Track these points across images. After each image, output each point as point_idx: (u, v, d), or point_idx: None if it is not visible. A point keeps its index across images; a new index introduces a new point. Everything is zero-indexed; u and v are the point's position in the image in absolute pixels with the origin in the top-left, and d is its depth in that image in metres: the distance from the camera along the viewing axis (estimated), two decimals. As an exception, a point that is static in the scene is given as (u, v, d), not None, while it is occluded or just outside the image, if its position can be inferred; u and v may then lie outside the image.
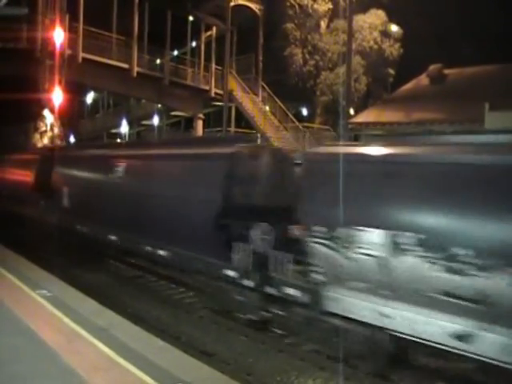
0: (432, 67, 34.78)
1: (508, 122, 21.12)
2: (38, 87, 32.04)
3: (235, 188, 11.30)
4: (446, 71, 34.42)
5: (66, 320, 9.71)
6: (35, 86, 31.98)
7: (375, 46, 44.27)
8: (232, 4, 37.65)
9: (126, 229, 14.73)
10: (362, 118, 34.55)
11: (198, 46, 40.71)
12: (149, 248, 13.79)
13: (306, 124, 40.89)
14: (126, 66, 35.57)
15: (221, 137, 29.52)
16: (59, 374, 7.34)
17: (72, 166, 19.88)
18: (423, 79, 35.41)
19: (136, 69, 35.88)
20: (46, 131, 33.47)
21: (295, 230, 9.79)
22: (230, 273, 11.18)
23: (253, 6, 40.44)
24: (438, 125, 27.06)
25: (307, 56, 44.64)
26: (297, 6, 44.12)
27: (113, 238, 15.61)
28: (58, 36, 30.90)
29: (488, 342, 7.00)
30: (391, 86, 43.88)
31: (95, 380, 7.11)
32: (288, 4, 43.79)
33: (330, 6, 44.93)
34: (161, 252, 13.20)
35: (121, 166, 15.47)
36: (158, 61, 38.91)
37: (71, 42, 32.61)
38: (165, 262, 13.53)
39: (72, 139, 46.64)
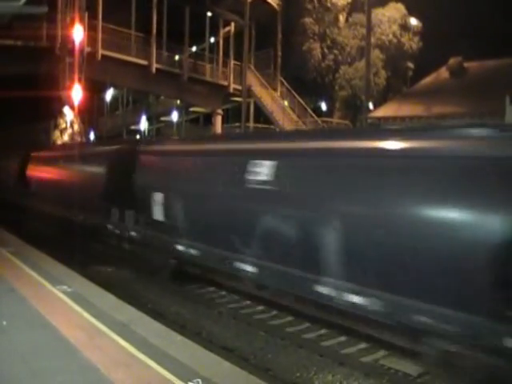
0: (452, 60, 34.48)
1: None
2: (57, 85, 32.30)
3: None
4: (466, 64, 34.10)
5: (87, 315, 9.77)
6: (55, 84, 32.25)
7: (394, 40, 43.96)
8: (250, -1, 37.63)
9: None
10: (381, 112, 34.38)
11: (217, 41, 40.75)
12: None
13: (324, 119, 40.77)
14: (145, 62, 35.72)
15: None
16: (80, 369, 7.38)
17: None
18: (443, 72, 35.12)
19: (155, 65, 36.02)
20: (66, 128, 33.73)
21: None
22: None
23: (271, 0, 40.35)
24: (459, 118, 26.81)
25: (326, 50, 44.47)
26: (315, 1, 43.91)
27: None
28: (78, 34, 31.09)
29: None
30: (410, 79, 43.56)
31: (116, 375, 7.13)
32: (306, -2, 43.66)
33: (349, -1, 44.74)
34: None
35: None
36: (177, 57, 39.00)
37: (90, 40, 32.81)
38: None
39: (92, 136, 46.99)
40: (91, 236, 17.68)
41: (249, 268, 11.13)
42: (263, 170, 10.76)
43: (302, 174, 10.49)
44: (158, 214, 14.16)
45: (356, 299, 8.76)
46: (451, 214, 7.70)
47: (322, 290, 9.33)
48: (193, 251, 13.02)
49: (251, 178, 11.00)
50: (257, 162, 10.97)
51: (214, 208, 12.45)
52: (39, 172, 24.28)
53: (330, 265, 9.25)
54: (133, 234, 15.79)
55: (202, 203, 12.91)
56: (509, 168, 7.31)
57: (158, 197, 14.11)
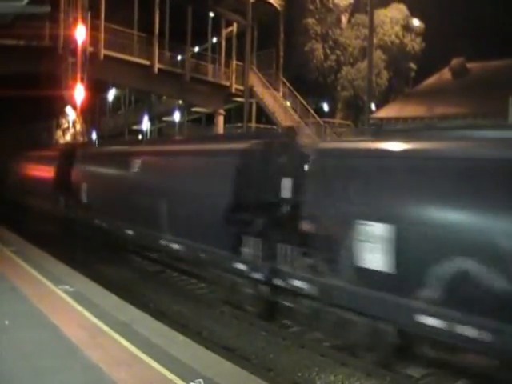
0: (454, 61, 34.45)
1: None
2: (60, 84, 32.32)
3: None
4: (469, 65, 34.07)
5: (88, 315, 9.79)
6: (58, 84, 32.27)
7: (397, 41, 43.83)
8: (252, -1, 37.60)
9: None
10: (383, 112, 34.38)
11: (219, 41, 40.71)
12: None
13: (326, 119, 40.71)
14: (147, 62, 35.73)
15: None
16: (81, 368, 7.40)
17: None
18: (445, 73, 35.11)
19: (157, 65, 36.03)
20: (68, 128, 33.73)
21: None
22: None
23: (273, 1, 40.34)
24: (462, 119, 26.79)
25: (328, 51, 44.37)
26: (317, 1, 43.84)
27: None
28: (80, 33, 31.11)
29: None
30: (413, 80, 43.49)
31: (117, 375, 7.14)
32: (309, -1, 43.62)
33: (351, 0, 44.66)
34: None
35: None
36: (179, 57, 38.99)
37: (93, 40, 32.81)
38: None
39: (94, 136, 46.99)
40: (49, 220, 22.59)
41: (130, 232, 16.43)
42: (135, 165, 16.33)
43: (149, 167, 16.13)
44: (85, 198, 19.59)
45: (176, 246, 13.81)
46: (213, 194, 12.48)
47: (162, 242, 14.48)
48: (104, 224, 18.15)
49: (131, 171, 16.46)
50: (133, 159, 16.52)
51: (112, 192, 17.91)
52: (15, 169, 29.05)
53: (164, 226, 14.28)
54: (73, 215, 20.63)
55: (105, 189, 18.42)
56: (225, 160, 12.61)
57: (84, 186, 19.78)
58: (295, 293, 10.38)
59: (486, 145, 7.93)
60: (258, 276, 11.19)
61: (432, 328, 7.77)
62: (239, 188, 11.71)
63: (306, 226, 9.98)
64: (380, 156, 9.22)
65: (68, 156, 21.61)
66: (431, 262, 7.70)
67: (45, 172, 23.70)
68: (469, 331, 7.31)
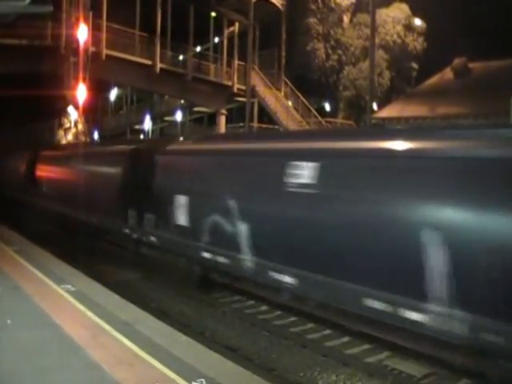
0: (456, 61, 34.36)
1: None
2: (62, 84, 32.34)
3: None
4: (471, 65, 33.99)
5: (90, 314, 9.78)
6: (60, 83, 32.29)
7: (398, 40, 43.88)
8: (254, -1, 37.58)
9: None
10: (385, 112, 34.33)
11: (221, 41, 40.73)
12: None
13: (328, 119, 40.71)
14: (149, 62, 35.75)
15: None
16: (83, 367, 7.39)
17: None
18: (447, 73, 35.04)
19: (159, 65, 36.05)
20: (70, 127, 33.75)
21: None
22: None
23: (275, 0, 40.33)
24: (463, 119, 26.77)
25: (330, 51, 44.41)
26: (319, 1, 43.87)
27: None
28: (82, 33, 31.10)
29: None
30: (415, 80, 43.49)
31: (119, 374, 7.14)
32: (310, -2, 43.64)
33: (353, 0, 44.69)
34: None
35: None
36: (181, 57, 39.01)
37: (95, 39, 32.83)
38: None
39: (96, 135, 47.00)
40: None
41: (69, 212, 20.95)
42: (70, 163, 21.81)
43: (75, 164, 20.97)
44: (46, 189, 24.83)
45: (93, 220, 18.43)
46: (110, 180, 17.52)
47: (83, 217, 19.08)
48: (55, 207, 22.75)
49: (67, 167, 22.28)
50: (69, 159, 22.53)
51: (58, 184, 23.22)
52: (8, 167, 32.95)
53: (85, 205, 18.52)
54: (36, 202, 25.61)
55: (54, 182, 23.99)
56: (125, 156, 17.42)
57: (45, 182, 25.11)
58: (152, 246, 15.16)
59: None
60: (135, 236, 15.92)
61: (208, 260, 12.36)
62: (127, 176, 16.38)
63: (157, 200, 14.66)
64: (182, 154, 15.03)
65: (35, 156, 26.79)
66: (203, 218, 12.35)
67: (20, 169, 28.92)
68: (221, 259, 11.76)
